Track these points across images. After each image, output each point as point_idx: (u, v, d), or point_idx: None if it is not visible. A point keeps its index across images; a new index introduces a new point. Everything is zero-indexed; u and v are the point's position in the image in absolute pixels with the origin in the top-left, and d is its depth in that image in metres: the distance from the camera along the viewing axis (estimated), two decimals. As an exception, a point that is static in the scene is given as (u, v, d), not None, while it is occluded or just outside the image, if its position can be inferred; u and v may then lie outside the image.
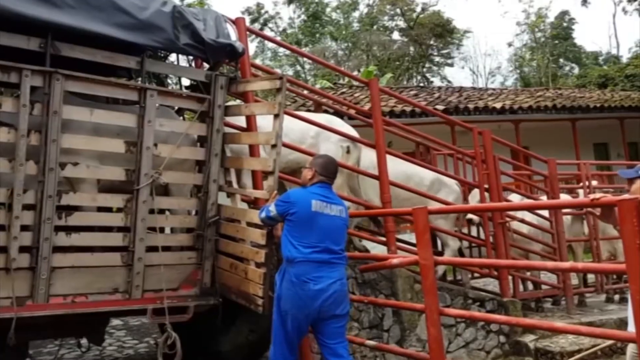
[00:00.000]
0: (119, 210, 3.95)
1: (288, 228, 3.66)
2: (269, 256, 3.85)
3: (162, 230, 4.03)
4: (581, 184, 7.81)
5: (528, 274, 6.99)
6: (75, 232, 3.75)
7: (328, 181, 3.83)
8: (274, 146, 3.92)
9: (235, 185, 4.57)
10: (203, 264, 4.13)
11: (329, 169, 3.85)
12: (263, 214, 3.76)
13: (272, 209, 3.70)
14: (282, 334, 3.68)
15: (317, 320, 3.67)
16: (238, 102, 4.94)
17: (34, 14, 3.38)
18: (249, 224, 4.02)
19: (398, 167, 5.77)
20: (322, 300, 3.59)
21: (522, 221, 6.77)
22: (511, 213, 6.51)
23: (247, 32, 4.94)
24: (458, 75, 48.33)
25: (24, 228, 3.52)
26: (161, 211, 4.20)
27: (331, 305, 3.63)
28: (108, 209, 4.12)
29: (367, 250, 6.04)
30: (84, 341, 4.44)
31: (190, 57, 4.49)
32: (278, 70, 22.54)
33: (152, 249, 3.95)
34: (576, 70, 31.07)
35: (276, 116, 3.95)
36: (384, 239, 5.58)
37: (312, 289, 3.57)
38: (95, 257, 3.81)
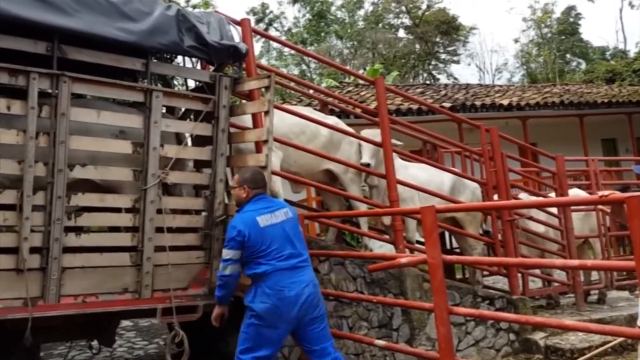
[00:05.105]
0: (128, 210, 3.97)
1: (247, 253, 3.65)
2: None
3: (170, 229, 4.05)
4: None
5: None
6: (84, 232, 3.79)
7: (262, 191, 3.84)
8: (265, 142, 4.00)
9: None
10: (211, 263, 4.15)
11: (258, 180, 3.85)
12: (222, 268, 3.68)
13: (227, 253, 3.65)
14: (263, 352, 3.62)
15: (298, 327, 3.68)
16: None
17: (43, 19, 3.43)
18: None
19: None
20: (299, 306, 3.62)
21: (531, 218, 6.74)
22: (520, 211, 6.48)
23: (252, 33, 4.95)
24: (464, 73, 48.30)
25: (34, 229, 3.54)
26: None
27: (308, 309, 3.66)
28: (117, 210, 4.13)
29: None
30: (94, 343, 4.46)
31: (195, 59, 4.51)
32: (284, 70, 22.58)
33: (160, 248, 3.97)
34: (583, 66, 30.85)
35: (266, 113, 4.06)
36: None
37: (288, 295, 3.59)
38: (104, 257, 3.84)
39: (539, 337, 5.63)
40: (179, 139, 4.32)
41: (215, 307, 3.85)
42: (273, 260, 3.62)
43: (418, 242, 6.01)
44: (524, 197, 7.14)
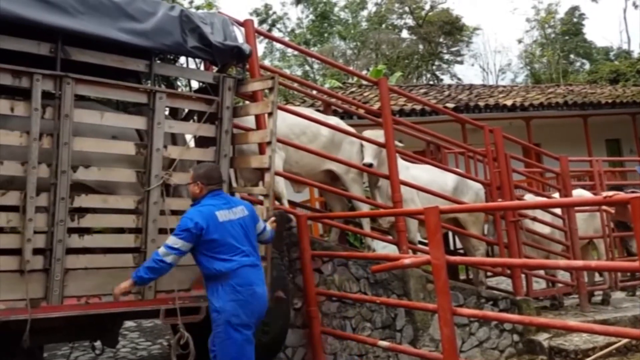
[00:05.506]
0: (131, 211, 3.97)
1: (206, 247, 3.57)
2: (269, 251, 3.98)
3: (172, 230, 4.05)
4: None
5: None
6: (87, 233, 3.79)
7: (218, 187, 3.80)
8: (268, 143, 4.00)
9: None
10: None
11: (213, 176, 3.79)
12: (164, 254, 3.49)
13: (177, 242, 3.50)
14: (245, 351, 3.57)
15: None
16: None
17: (46, 20, 3.43)
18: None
19: None
20: (263, 303, 3.64)
21: (535, 219, 6.72)
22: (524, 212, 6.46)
23: (256, 34, 4.96)
24: (468, 73, 48.04)
25: (37, 230, 3.54)
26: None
27: (264, 306, 3.68)
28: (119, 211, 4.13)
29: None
30: (97, 343, 4.46)
31: (199, 60, 4.51)
32: (287, 71, 22.57)
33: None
34: (587, 66, 30.74)
35: (270, 114, 4.06)
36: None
37: (257, 291, 3.60)
38: (108, 258, 3.84)
39: (542, 338, 5.61)
40: (174, 139, 4.31)
41: (129, 282, 3.53)
42: (237, 256, 3.58)
43: (420, 242, 6.01)
44: (529, 197, 7.12)
